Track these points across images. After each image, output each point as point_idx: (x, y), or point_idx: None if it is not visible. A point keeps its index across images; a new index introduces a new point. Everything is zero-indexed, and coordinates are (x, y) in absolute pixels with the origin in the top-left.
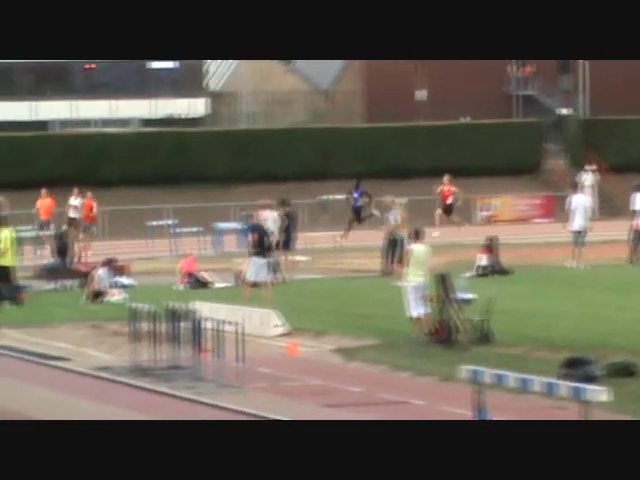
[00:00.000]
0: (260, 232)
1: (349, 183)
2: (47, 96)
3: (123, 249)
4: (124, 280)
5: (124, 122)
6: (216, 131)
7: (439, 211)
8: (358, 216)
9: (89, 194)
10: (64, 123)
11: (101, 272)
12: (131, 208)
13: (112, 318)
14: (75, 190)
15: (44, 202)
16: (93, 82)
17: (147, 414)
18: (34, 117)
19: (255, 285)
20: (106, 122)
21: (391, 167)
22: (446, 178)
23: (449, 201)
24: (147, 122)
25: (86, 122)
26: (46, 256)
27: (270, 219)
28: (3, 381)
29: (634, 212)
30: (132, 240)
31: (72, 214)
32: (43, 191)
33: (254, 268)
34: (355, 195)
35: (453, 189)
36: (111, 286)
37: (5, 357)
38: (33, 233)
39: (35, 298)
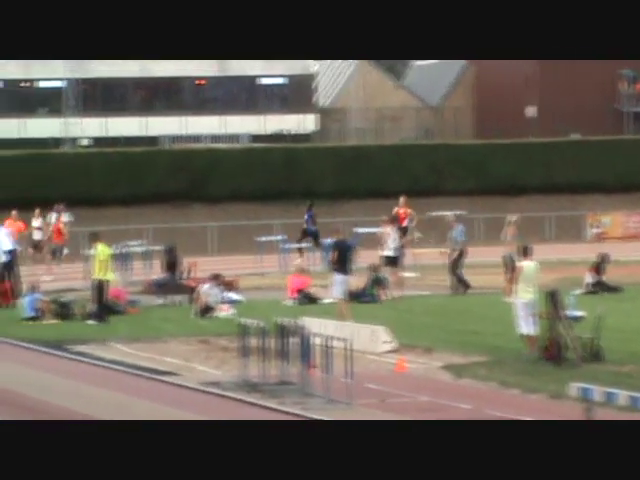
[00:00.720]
0: (342, 249)
1: (461, 200)
2: (157, 112)
3: (232, 264)
4: (233, 295)
5: (233, 138)
6: (325, 147)
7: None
8: (315, 239)
9: (58, 210)
10: (174, 138)
11: (207, 287)
12: (240, 224)
13: (221, 333)
14: (36, 211)
15: (14, 225)
16: (203, 98)
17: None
18: (145, 133)
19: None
20: (216, 138)
21: (502, 183)
22: (402, 200)
23: (405, 224)
24: (256, 138)
25: (196, 138)
26: (155, 271)
27: (392, 235)
28: (113, 396)
29: None
30: (241, 255)
31: (36, 236)
32: (13, 213)
33: (336, 284)
34: (305, 217)
35: (409, 211)
36: (220, 302)
37: (115, 371)
38: (143, 248)
39: (145, 313)
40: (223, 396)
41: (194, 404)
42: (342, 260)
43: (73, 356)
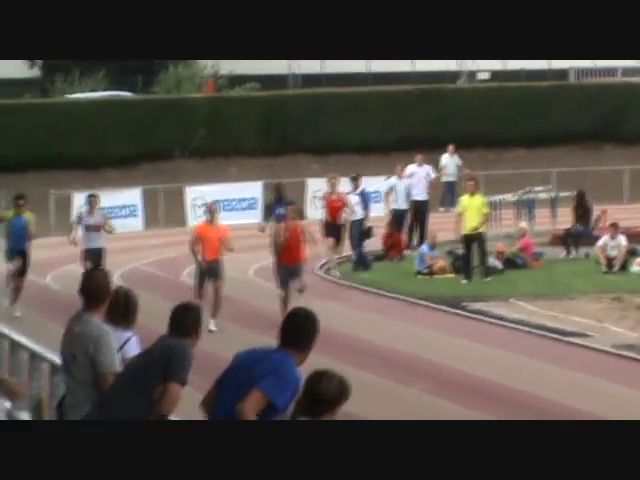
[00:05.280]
0: None
1: None
2: None
3: None
4: None
5: None
6: None
7: None
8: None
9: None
10: (584, 72)
11: (605, 239)
12: None
13: (636, 290)
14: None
15: (215, 231)
16: None
17: None
18: (549, 65)
19: None
20: (631, 71)
21: None
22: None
23: None
24: None
25: (609, 71)
26: (562, 220)
27: None
28: (515, 358)
29: None
30: None
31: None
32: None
33: None
34: (280, 211)
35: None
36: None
37: (517, 332)
38: (548, 194)
39: (549, 267)
40: (639, 360)
41: (606, 369)
42: None
43: (471, 314)
